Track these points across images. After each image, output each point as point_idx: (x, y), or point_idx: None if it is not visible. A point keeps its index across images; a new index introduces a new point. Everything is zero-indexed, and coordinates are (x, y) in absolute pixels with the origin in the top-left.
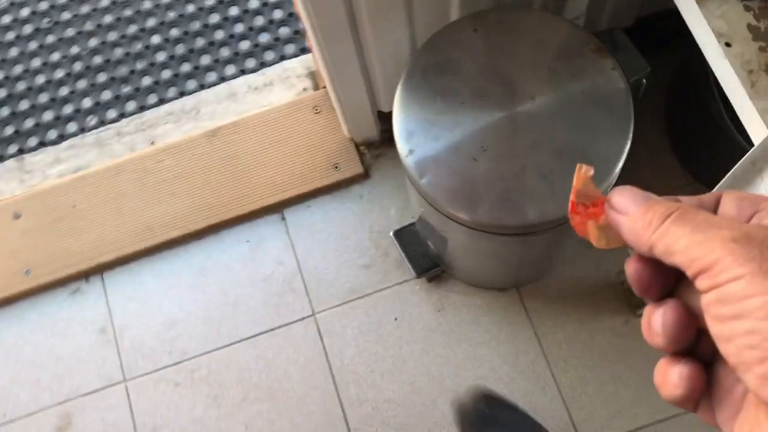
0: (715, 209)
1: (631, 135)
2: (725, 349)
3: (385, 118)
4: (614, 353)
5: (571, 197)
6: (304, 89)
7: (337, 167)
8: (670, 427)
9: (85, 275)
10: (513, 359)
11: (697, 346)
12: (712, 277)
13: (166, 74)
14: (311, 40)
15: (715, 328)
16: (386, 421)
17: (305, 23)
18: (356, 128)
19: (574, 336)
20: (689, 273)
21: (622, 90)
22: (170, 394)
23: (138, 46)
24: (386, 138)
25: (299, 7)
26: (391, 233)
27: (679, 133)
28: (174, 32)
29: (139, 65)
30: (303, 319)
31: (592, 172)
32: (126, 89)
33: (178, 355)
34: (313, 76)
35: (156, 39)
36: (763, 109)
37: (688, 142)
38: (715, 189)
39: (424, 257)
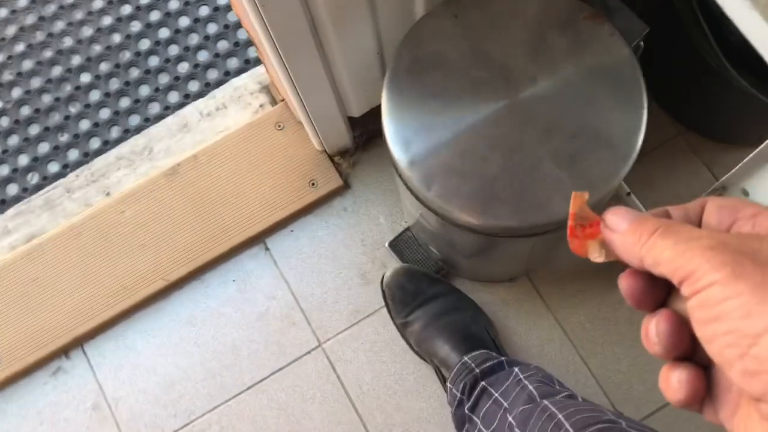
0: (700, 216)
1: (645, 104)
2: (710, 350)
3: (356, 124)
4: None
5: (569, 222)
6: (261, 106)
7: (314, 184)
8: None
9: (64, 351)
10: (538, 350)
11: (696, 352)
12: (692, 284)
13: (105, 113)
14: (267, 54)
15: (699, 331)
16: None
17: (259, 37)
18: (328, 139)
19: (596, 313)
20: (674, 281)
21: (626, 57)
22: None
23: (67, 89)
24: (360, 143)
25: (251, 21)
26: (386, 245)
27: (663, 80)
28: (104, 67)
29: (73, 109)
30: (310, 351)
31: (587, 196)
32: (64, 137)
33: (185, 417)
34: (267, 90)
35: (86, 77)
36: None
37: (676, 88)
38: (749, 157)
39: (425, 262)
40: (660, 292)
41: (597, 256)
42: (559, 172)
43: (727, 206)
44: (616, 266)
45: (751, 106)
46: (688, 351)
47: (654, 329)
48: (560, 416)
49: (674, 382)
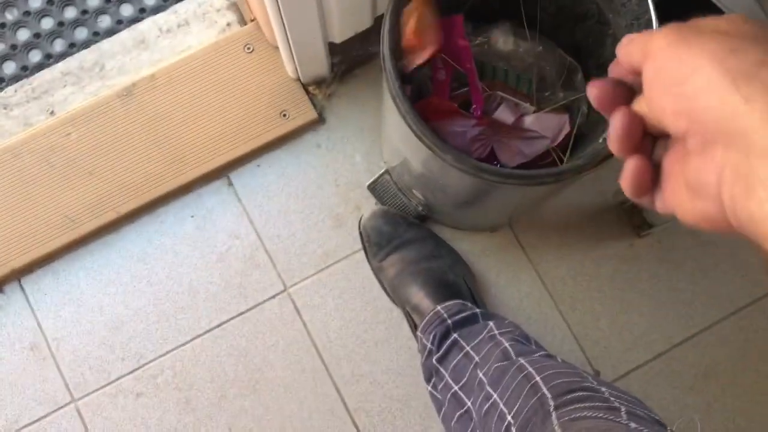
0: None
1: None
2: (651, 105)
3: (335, 51)
4: (622, 281)
5: None
6: (228, 25)
7: (285, 115)
8: (687, 348)
9: None
10: (517, 303)
11: (652, 153)
12: (648, 54)
13: (47, 23)
14: None
15: (646, 91)
16: (388, 393)
17: None
18: (304, 66)
19: (578, 269)
20: (642, 66)
21: None
22: (132, 407)
23: None
24: (338, 73)
25: None
26: (366, 186)
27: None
28: None
29: (10, 15)
30: (275, 296)
31: None
32: None
33: (134, 361)
34: (236, 8)
35: None
36: None
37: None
38: None
39: (404, 207)
40: (624, 95)
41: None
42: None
43: None
44: (600, 220)
45: None
46: (641, 148)
47: (612, 122)
48: (538, 378)
49: (626, 171)
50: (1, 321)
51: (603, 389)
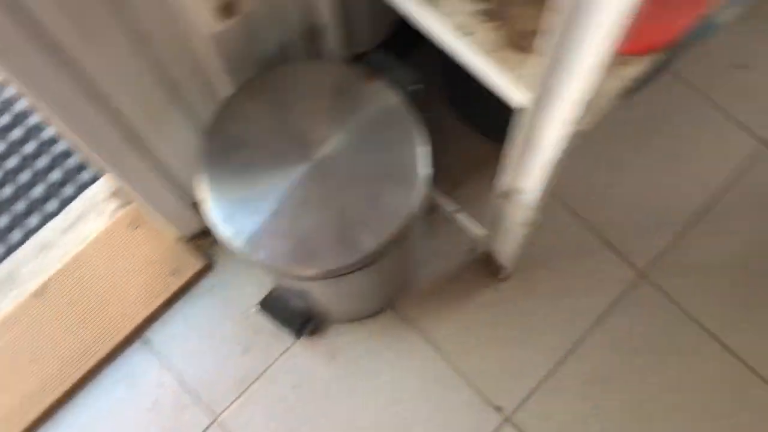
0: None
1: (420, 137)
2: None
3: None
4: (497, 323)
5: None
6: (114, 210)
7: (177, 271)
8: (569, 363)
9: None
10: (418, 372)
11: None
12: None
13: None
14: (102, 166)
15: None
16: None
17: (87, 155)
18: (181, 227)
19: (458, 324)
20: None
21: (398, 104)
22: None
23: None
24: None
25: (77, 142)
26: (257, 304)
27: (453, 88)
28: None
29: None
30: (208, 427)
31: None
32: None
33: None
34: (119, 193)
35: None
36: (518, 77)
37: (461, 95)
38: (510, 164)
39: (295, 317)
40: None
41: None
42: (364, 211)
43: None
44: (465, 277)
45: None
46: None
47: None
48: None
49: None
50: None
51: None
